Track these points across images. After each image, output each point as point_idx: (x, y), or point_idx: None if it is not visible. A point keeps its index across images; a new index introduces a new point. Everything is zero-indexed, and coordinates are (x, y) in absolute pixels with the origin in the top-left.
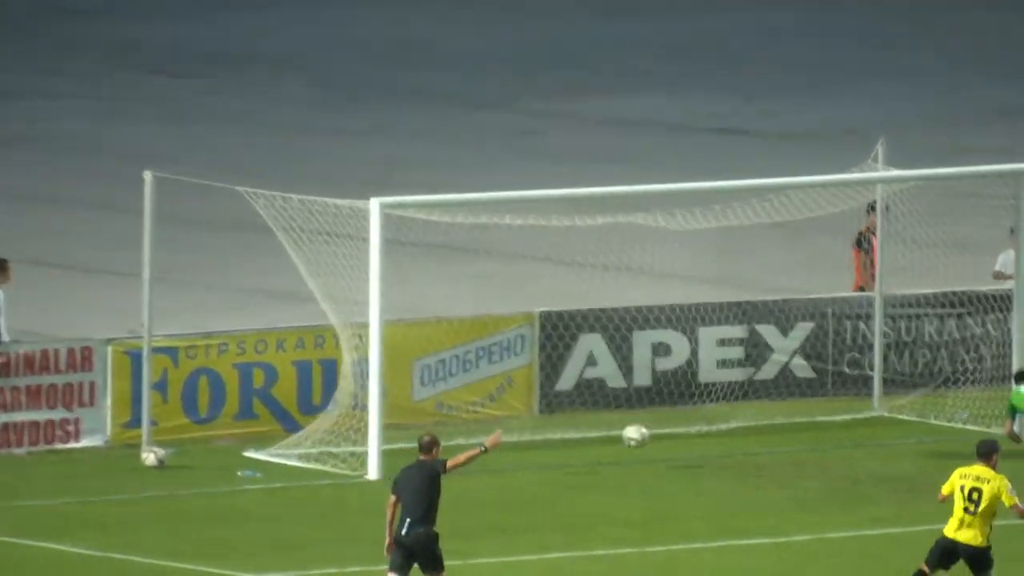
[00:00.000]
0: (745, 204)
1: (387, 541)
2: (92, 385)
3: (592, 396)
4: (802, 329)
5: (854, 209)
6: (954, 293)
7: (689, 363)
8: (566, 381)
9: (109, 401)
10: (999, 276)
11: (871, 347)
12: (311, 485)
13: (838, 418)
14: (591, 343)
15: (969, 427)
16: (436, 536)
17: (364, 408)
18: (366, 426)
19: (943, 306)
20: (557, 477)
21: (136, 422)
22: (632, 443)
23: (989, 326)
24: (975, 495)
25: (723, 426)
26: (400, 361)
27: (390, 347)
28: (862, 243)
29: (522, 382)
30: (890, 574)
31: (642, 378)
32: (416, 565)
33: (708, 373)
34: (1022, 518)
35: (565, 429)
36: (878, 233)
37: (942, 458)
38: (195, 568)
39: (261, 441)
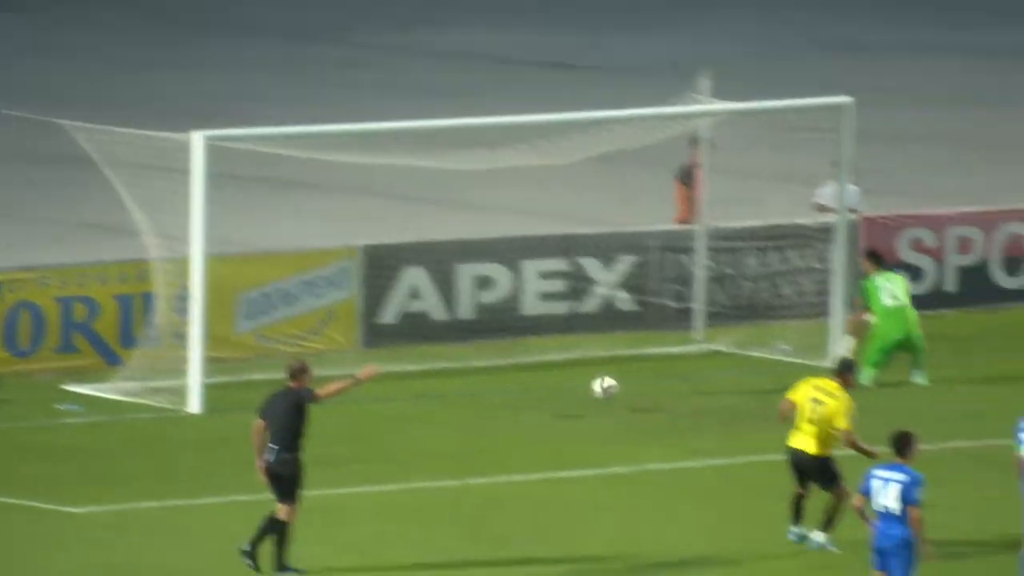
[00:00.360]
0: (569, 138)
1: (258, 464)
2: None
3: (415, 329)
4: (625, 262)
5: (676, 141)
6: (776, 226)
7: (512, 296)
8: (389, 314)
9: None
10: (820, 209)
11: (694, 280)
12: (132, 419)
13: (660, 351)
14: (414, 276)
15: (791, 360)
16: (300, 464)
17: (182, 341)
18: (187, 359)
19: (765, 239)
20: (380, 410)
21: None
22: (601, 393)
23: (811, 259)
24: (818, 407)
25: (545, 358)
26: (223, 295)
27: (213, 281)
28: (685, 176)
29: (345, 315)
30: (711, 505)
31: (465, 311)
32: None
33: (531, 306)
34: (847, 446)
35: (388, 362)
36: (701, 166)
37: (763, 391)
38: (15, 502)
39: (82, 375)
